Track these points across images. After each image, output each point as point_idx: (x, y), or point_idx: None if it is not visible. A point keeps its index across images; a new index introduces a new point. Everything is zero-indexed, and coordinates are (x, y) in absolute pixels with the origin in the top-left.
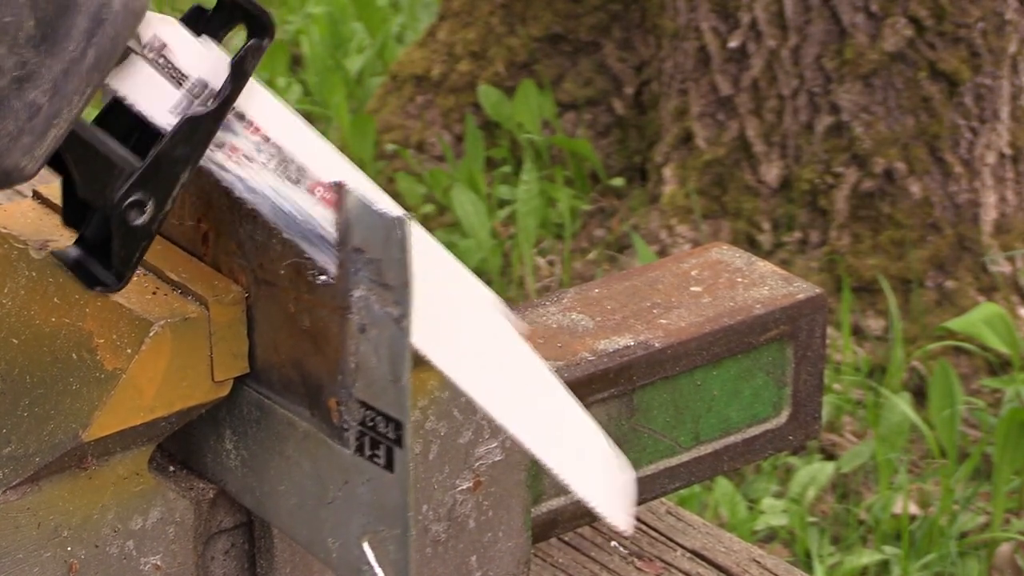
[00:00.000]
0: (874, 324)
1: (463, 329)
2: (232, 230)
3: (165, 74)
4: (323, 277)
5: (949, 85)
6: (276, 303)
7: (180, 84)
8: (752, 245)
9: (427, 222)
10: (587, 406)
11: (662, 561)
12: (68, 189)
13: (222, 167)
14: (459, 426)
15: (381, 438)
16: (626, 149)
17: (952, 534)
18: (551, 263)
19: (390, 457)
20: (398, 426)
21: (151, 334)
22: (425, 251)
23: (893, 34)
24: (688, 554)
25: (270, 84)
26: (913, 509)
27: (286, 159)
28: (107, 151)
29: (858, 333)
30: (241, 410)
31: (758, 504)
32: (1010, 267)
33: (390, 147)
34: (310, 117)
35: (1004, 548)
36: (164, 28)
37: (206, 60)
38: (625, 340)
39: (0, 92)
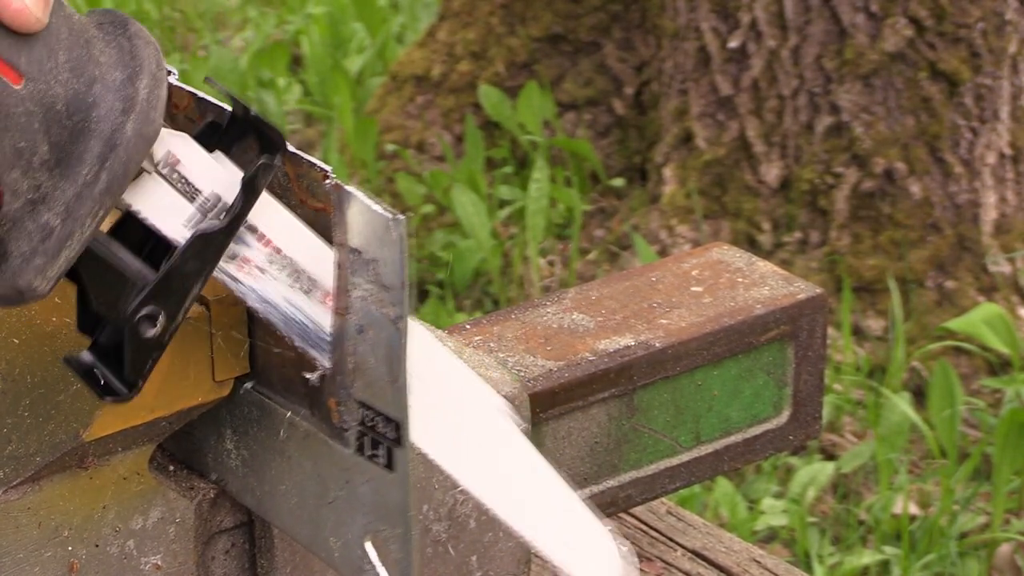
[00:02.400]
0: (874, 324)
1: (468, 433)
2: None
3: (178, 189)
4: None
5: (949, 85)
6: None
7: (192, 199)
8: (752, 245)
9: (427, 222)
10: (588, 406)
11: (663, 561)
12: (82, 298)
13: (234, 278)
14: None
15: (381, 438)
16: (626, 149)
17: (952, 534)
18: (551, 263)
19: (390, 457)
20: (397, 426)
21: None
22: (430, 353)
23: (893, 34)
24: (688, 554)
25: (270, 84)
26: (913, 509)
27: (298, 270)
28: (119, 265)
29: (858, 333)
30: (242, 410)
31: (758, 504)
32: (1010, 267)
33: (390, 147)
34: (310, 117)
35: (1004, 548)
36: (177, 144)
37: (218, 176)
38: (626, 340)
39: (14, 214)
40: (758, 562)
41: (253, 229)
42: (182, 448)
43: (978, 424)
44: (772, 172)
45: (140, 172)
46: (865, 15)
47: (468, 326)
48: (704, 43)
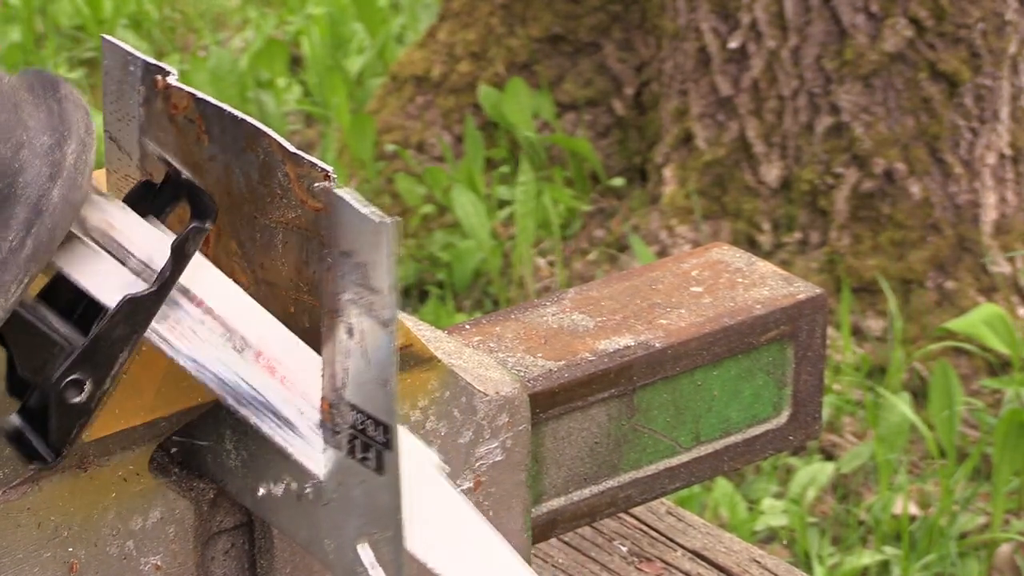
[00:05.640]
0: (874, 324)
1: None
2: (232, 230)
3: (109, 253)
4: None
5: (949, 86)
6: (276, 303)
7: (124, 263)
8: (752, 246)
9: (427, 222)
10: (587, 406)
11: (663, 561)
12: (11, 362)
13: (164, 339)
14: (459, 426)
15: (371, 441)
16: (626, 149)
17: (952, 534)
18: (551, 263)
19: (380, 460)
20: (386, 429)
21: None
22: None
23: (893, 35)
24: (688, 554)
25: (270, 84)
26: (913, 509)
27: (230, 329)
28: (46, 330)
29: (858, 334)
30: None
31: (758, 504)
32: (1010, 268)
33: (390, 148)
34: (310, 117)
35: (1004, 549)
36: (108, 208)
37: (150, 240)
38: (625, 340)
39: None
40: (758, 562)
41: (185, 291)
42: (182, 448)
43: (978, 425)
44: (772, 172)
45: (71, 237)
46: (865, 15)
47: (468, 326)
48: (704, 43)
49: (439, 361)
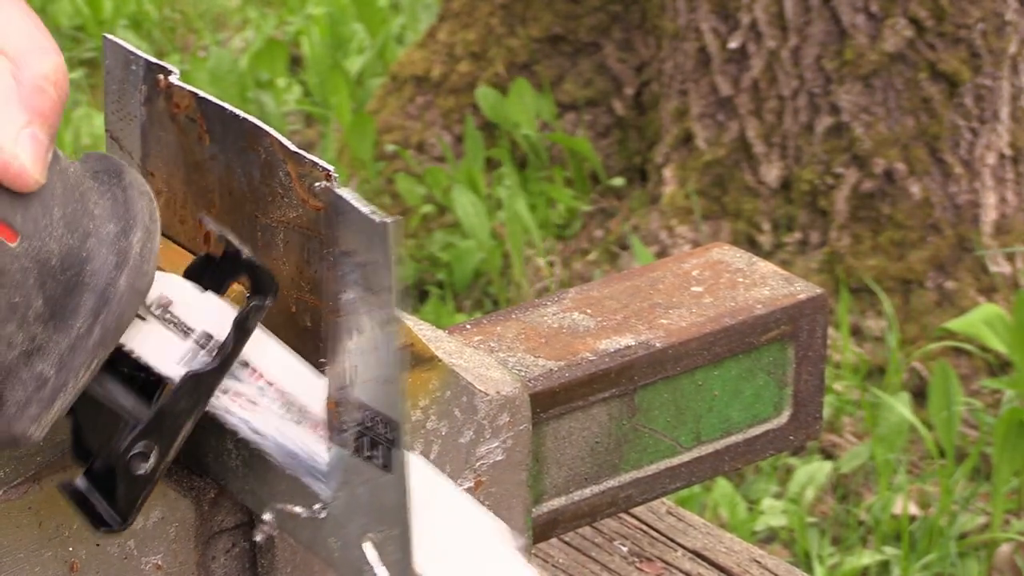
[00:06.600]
0: (874, 325)
1: (467, 559)
2: (234, 229)
3: (171, 328)
4: (318, 506)
5: (949, 86)
6: (277, 303)
7: (186, 335)
8: (752, 246)
9: (427, 222)
10: (588, 406)
11: (663, 561)
12: (76, 430)
13: (228, 411)
14: (460, 426)
15: (378, 439)
16: (626, 150)
17: (952, 534)
18: (551, 263)
19: (387, 458)
20: (394, 427)
21: None
22: (426, 481)
23: (893, 35)
24: (689, 554)
25: (270, 85)
26: (913, 509)
27: (288, 401)
28: (112, 404)
29: (858, 334)
30: None
31: (758, 504)
32: (1010, 267)
33: (390, 148)
34: (310, 117)
35: (1004, 549)
36: (170, 284)
37: (210, 313)
38: (626, 340)
39: (10, 364)
40: (758, 562)
41: (245, 364)
42: (182, 448)
43: (977, 424)
44: (772, 172)
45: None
46: (865, 15)
47: (468, 326)
48: (704, 44)
49: (440, 361)
